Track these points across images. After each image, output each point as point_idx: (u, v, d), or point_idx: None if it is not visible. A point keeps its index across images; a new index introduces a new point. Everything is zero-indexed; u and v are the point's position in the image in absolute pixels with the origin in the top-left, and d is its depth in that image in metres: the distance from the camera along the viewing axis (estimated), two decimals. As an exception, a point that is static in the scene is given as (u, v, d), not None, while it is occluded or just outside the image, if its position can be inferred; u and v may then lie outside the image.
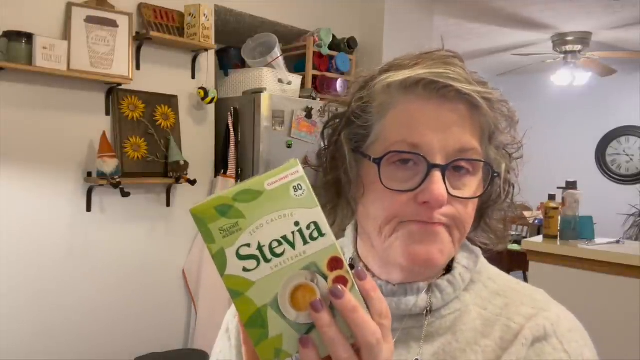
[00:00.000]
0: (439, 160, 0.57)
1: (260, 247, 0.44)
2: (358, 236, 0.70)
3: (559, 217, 2.74)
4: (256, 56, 3.06)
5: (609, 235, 2.85)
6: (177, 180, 2.58)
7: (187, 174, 2.62)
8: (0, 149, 2.14)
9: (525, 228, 5.31)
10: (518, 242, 4.03)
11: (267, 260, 0.44)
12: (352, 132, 0.63)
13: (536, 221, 4.78)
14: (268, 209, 0.44)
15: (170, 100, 2.65)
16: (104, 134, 2.35)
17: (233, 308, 0.74)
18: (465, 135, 0.58)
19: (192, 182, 2.64)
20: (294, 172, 0.45)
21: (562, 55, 4.93)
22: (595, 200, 4.55)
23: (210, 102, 2.74)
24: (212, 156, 2.88)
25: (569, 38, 4.72)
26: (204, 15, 2.62)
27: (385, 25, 3.50)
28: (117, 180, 2.31)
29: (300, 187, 0.45)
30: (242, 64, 3.11)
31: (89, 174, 2.37)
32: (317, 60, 3.24)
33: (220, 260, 0.44)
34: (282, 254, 0.44)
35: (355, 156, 0.62)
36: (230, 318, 0.73)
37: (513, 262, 4.18)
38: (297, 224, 0.44)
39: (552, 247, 2.66)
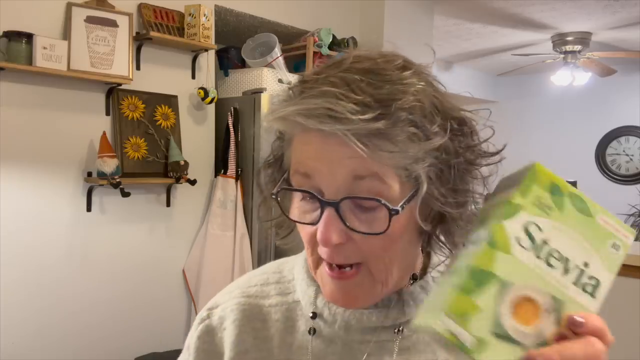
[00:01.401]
0: (333, 194, 0.52)
1: (543, 241, 0.43)
2: None
3: (559, 217, 2.75)
4: (256, 56, 3.06)
5: (609, 235, 2.85)
6: (177, 180, 2.58)
7: (187, 174, 2.62)
8: (0, 149, 2.14)
9: (525, 228, 5.31)
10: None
11: (537, 256, 0.43)
12: (276, 155, 0.62)
13: (536, 221, 4.77)
14: (581, 230, 0.44)
15: (170, 100, 2.65)
16: (104, 134, 2.35)
17: (197, 326, 0.70)
18: (359, 163, 0.51)
19: (192, 182, 2.64)
20: (626, 236, 0.45)
21: (562, 55, 4.93)
22: (595, 200, 4.54)
23: (210, 102, 2.74)
24: (212, 156, 2.88)
25: (569, 38, 4.72)
26: (204, 15, 2.61)
27: (385, 25, 3.49)
28: (117, 180, 2.31)
29: (617, 248, 0.44)
30: (242, 64, 3.11)
31: (89, 174, 2.36)
32: (317, 60, 3.24)
33: (509, 211, 0.44)
34: (551, 267, 0.43)
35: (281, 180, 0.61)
36: (192, 336, 0.70)
37: (513, 262, 4.17)
38: (585, 265, 0.43)
39: (552, 247, 2.66)
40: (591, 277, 0.43)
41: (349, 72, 0.52)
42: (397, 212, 0.52)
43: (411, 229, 0.56)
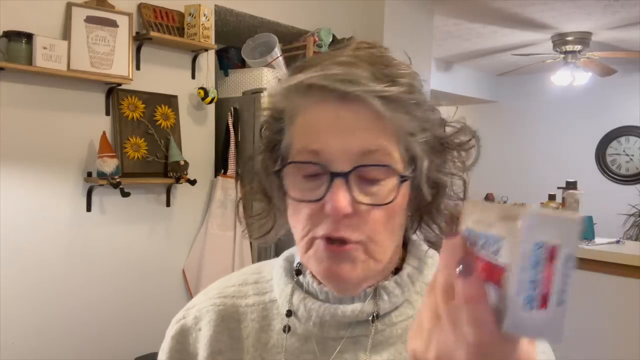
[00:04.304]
0: (342, 166, 0.54)
1: None
2: None
3: (559, 217, 2.74)
4: (256, 56, 3.06)
5: (609, 235, 2.86)
6: (177, 180, 2.58)
7: (187, 174, 2.62)
8: (0, 149, 2.14)
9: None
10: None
11: None
12: (271, 139, 0.61)
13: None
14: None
15: (170, 100, 2.65)
16: (104, 134, 2.35)
17: (172, 326, 0.73)
18: (370, 136, 0.54)
19: (192, 182, 2.64)
20: None
21: (562, 55, 4.93)
22: (595, 200, 4.54)
23: (210, 102, 2.74)
24: (212, 156, 2.88)
25: (569, 38, 4.72)
26: (204, 15, 2.61)
27: (385, 25, 3.50)
28: (117, 180, 2.31)
29: None
30: (242, 64, 3.11)
31: (89, 174, 2.37)
32: (317, 60, 3.24)
33: None
34: None
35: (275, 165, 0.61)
36: (167, 337, 0.72)
37: (513, 262, 4.17)
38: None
39: (552, 247, 2.66)
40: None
41: (358, 51, 0.57)
42: (406, 178, 0.56)
43: (404, 210, 0.59)
